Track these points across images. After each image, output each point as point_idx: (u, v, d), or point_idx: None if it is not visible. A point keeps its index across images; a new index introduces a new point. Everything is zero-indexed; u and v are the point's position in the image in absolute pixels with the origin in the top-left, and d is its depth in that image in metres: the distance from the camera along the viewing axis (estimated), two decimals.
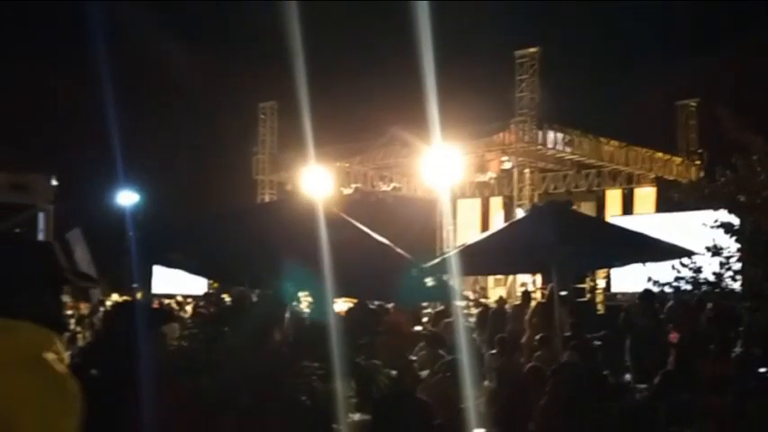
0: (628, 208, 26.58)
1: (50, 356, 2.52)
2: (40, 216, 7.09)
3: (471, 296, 20.41)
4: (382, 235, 8.11)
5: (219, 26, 37.73)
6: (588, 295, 20.96)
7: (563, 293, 10.32)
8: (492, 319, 13.57)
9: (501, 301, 17.61)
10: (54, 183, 7.04)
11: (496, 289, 24.01)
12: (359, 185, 28.48)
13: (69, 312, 15.73)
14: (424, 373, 8.07)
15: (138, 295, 19.81)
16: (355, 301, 10.67)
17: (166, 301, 18.59)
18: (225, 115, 34.46)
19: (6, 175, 6.73)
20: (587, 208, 25.69)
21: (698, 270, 11.31)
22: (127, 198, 25.60)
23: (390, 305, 11.88)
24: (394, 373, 6.97)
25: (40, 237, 7.22)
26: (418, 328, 12.00)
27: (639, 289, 11.72)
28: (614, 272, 19.36)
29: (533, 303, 13.77)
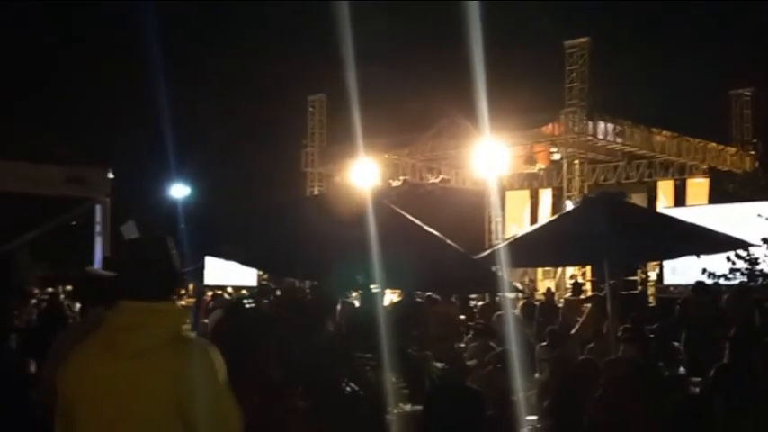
0: (680, 199, 26.17)
1: (186, 328, 2.86)
2: (97, 208, 7.24)
3: (523, 288, 20.28)
4: (430, 227, 8.12)
5: (269, 20, 37.98)
6: (640, 287, 20.71)
7: (614, 285, 10.22)
8: (539, 312, 13.49)
9: (548, 293, 17.52)
10: (110, 176, 7.17)
11: (545, 281, 23.87)
12: (407, 177, 28.48)
13: None
14: (472, 363, 8.08)
15: (191, 286, 20.14)
16: (404, 292, 10.70)
17: (218, 291, 18.85)
18: (274, 109, 34.69)
19: (65, 169, 6.89)
20: (638, 199, 25.34)
21: (754, 261, 11.11)
22: (179, 191, 25.97)
23: (439, 296, 11.89)
24: (440, 365, 6.99)
25: (97, 229, 7.37)
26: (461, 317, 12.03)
27: (692, 281, 11.54)
28: (667, 263, 19.08)
29: (584, 295, 13.67)
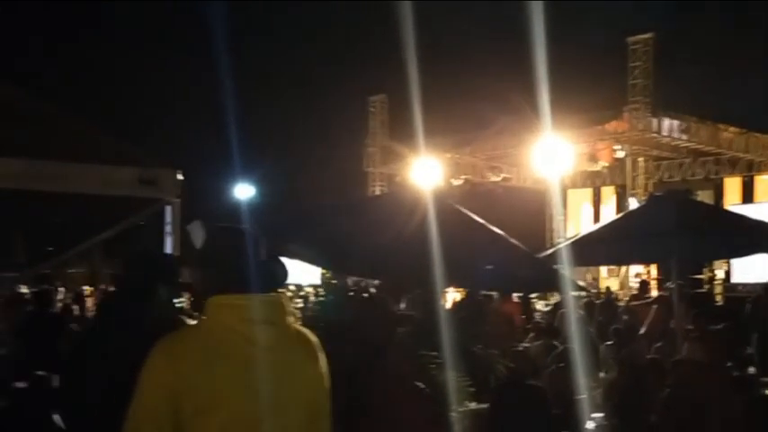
0: (748, 196, 25.59)
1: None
2: (167, 209, 7.43)
3: (586, 287, 20.11)
4: (492, 226, 8.14)
5: (330, 21, 38.28)
6: (707, 286, 20.33)
7: (682, 284, 10.09)
8: (600, 310, 13.40)
9: (608, 292, 17.36)
10: (180, 177, 7.36)
11: (609, 279, 23.61)
12: (468, 176, 28.45)
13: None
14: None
15: None
16: (467, 291, 10.74)
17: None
18: (336, 109, 34.95)
19: (136, 170, 7.09)
20: (705, 196, 24.87)
21: None
22: (244, 191, 26.37)
23: (496, 294, 11.90)
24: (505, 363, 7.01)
25: (168, 229, 7.57)
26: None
27: (762, 279, 11.32)
28: (735, 262, 18.70)
29: (650, 295, 13.51)
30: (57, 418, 5.58)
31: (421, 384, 4.78)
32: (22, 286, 10.76)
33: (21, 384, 5.58)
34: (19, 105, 7.71)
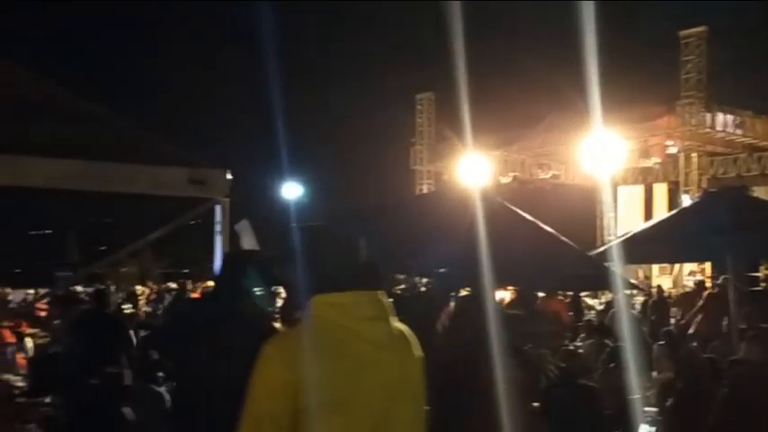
0: None
1: None
2: (217, 208, 7.47)
3: (639, 285, 19.81)
4: (541, 223, 8.06)
5: (378, 20, 38.32)
6: (763, 284, 19.87)
7: (737, 282, 9.86)
8: (652, 309, 13.20)
9: (659, 290, 17.07)
10: (229, 176, 7.42)
11: (662, 278, 23.22)
12: (516, 174, 28.24)
13: None
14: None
15: None
16: (517, 289, 10.64)
17: None
18: (383, 107, 34.99)
19: (187, 170, 7.14)
20: (761, 193, 24.16)
21: None
22: (291, 190, 26.53)
23: (541, 293, 11.77)
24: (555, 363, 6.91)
25: (217, 228, 7.62)
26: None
27: None
28: None
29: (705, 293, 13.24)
30: (128, 411, 5.68)
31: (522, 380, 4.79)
32: (76, 285, 10.96)
33: (94, 381, 5.68)
34: (70, 107, 7.82)
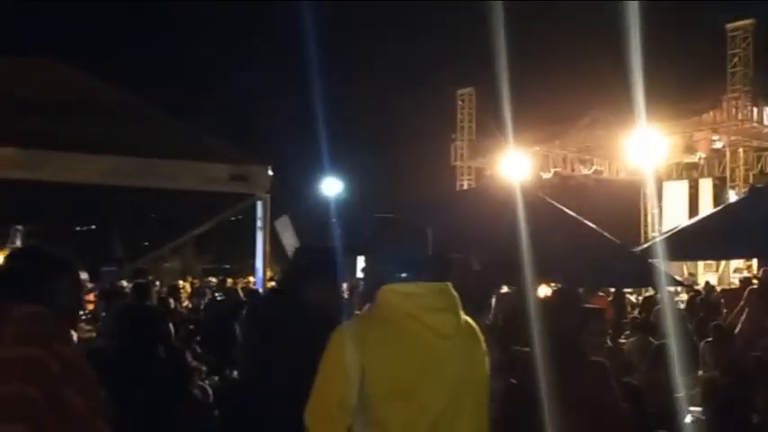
0: None
1: None
2: (259, 204, 7.54)
3: (684, 282, 19.53)
4: (583, 219, 7.98)
5: (418, 16, 38.27)
6: None
7: None
8: (700, 306, 12.96)
9: (708, 286, 16.78)
10: (270, 173, 7.46)
11: (707, 274, 22.85)
12: (558, 169, 27.99)
13: None
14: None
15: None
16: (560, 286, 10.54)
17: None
18: (423, 103, 34.96)
19: (229, 167, 7.22)
20: None
21: None
22: (331, 186, 26.59)
23: (582, 289, 11.65)
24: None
25: (259, 224, 7.68)
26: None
27: None
28: None
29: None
30: (197, 392, 5.74)
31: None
32: (121, 280, 11.10)
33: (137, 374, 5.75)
34: (117, 105, 7.93)
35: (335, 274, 3.87)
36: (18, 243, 11.53)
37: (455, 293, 2.72)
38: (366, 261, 2.83)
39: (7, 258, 2.89)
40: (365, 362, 2.53)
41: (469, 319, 2.78)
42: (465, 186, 29.64)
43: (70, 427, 2.40)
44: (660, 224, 26.02)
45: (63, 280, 2.69)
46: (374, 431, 2.56)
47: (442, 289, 2.68)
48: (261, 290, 8.16)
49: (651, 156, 22.69)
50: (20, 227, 11.70)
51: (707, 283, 17.98)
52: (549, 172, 27.87)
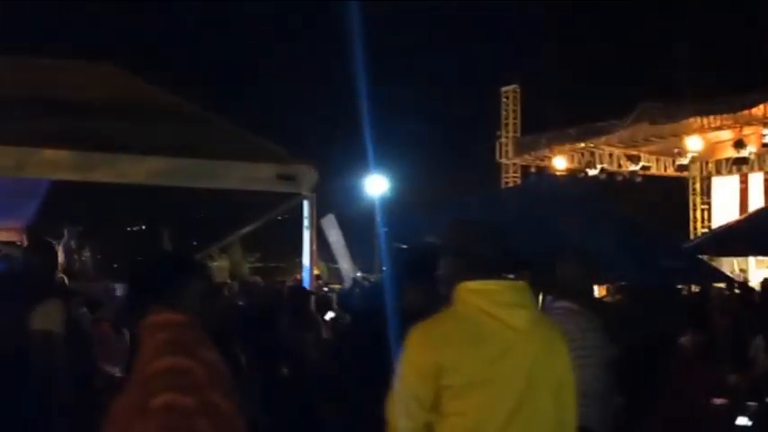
0: None
1: None
2: (305, 203, 7.60)
3: (735, 278, 19.18)
4: (631, 216, 7.90)
5: (461, 13, 38.13)
6: None
7: None
8: (757, 302, 12.74)
9: (765, 283, 16.44)
10: (316, 172, 7.53)
11: (759, 271, 22.43)
12: (605, 166, 27.70)
13: (326, 290, 16.74)
14: None
15: None
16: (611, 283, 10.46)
17: None
18: (468, 100, 34.85)
19: (275, 167, 7.30)
20: None
21: None
22: (376, 184, 26.65)
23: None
24: None
25: (305, 223, 7.75)
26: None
27: None
28: None
29: None
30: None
31: None
32: None
33: None
34: (162, 105, 8.06)
35: (435, 274, 3.96)
36: (72, 243, 11.77)
37: (529, 290, 2.80)
38: (442, 262, 2.93)
39: (143, 264, 2.95)
40: (439, 357, 2.64)
41: (547, 318, 2.92)
42: (510, 184, 29.49)
43: (220, 430, 2.45)
44: (709, 220, 25.64)
45: (198, 284, 2.74)
46: (452, 422, 2.65)
47: (516, 285, 2.78)
48: (307, 287, 8.22)
49: (700, 151, 22.37)
50: (74, 227, 11.95)
51: (765, 279, 17.62)
52: (596, 168, 27.59)
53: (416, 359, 2.68)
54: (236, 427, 2.54)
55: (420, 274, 3.84)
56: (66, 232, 11.87)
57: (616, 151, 27.99)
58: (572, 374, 2.83)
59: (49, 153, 6.07)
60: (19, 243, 12.99)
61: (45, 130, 5.92)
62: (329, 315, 9.85)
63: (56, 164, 6.19)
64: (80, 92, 7.39)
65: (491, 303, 2.69)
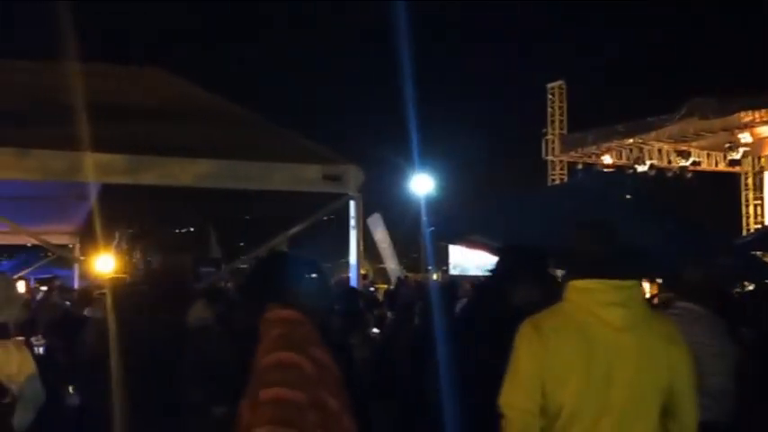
0: None
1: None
2: (351, 204, 7.61)
3: None
4: (682, 212, 7.77)
5: (505, 11, 37.95)
6: None
7: None
8: None
9: None
10: (362, 172, 7.53)
11: None
12: (654, 162, 27.32)
13: (372, 289, 16.77)
14: None
15: (434, 276, 20.62)
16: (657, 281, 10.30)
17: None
18: (512, 97, 34.65)
19: (321, 167, 7.31)
20: None
21: None
22: (421, 183, 26.63)
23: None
24: None
25: (352, 223, 7.76)
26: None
27: None
28: None
29: None
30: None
31: None
32: (220, 281, 11.35)
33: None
34: (208, 107, 8.13)
35: (545, 275, 4.09)
36: (124, 245, 11.95)
37: (638, 289, 2.95)
38: (559, 262, 3.20)
39: (261, 262, 3.08)
40: (546, 352, 2.86)
41: (662, 316, 3.04)
42: (557, 181, 29.25)
43: (327, 427, 2.50)
44: (762, 215, 25.14)
45: (313, 282, 2.83)
46: (552, 412, 2.85)
47: (622, 285, 2.87)
48: (355, 287, 8.22)
49: (752, 145, 21.97)
50: (125, 230, 12.13)
51: None
52: (645, 164, 27.23)
53: (527, 350, 2.90)
54: (345, 425, 2.58)
55: (529, 273, 3.98)
56: (117, 235, 12.05)
57: (666, 147, 27.61)
58: (686, 373, 2.89)
59: (100, 157, 6.16)
60: (70, 246, 13.24)
61: (96, 134, 6.00)
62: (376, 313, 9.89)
63: (107, 167, 6.28)
64: (128, 96, 7.50)
65: (592, 302, 2.85)
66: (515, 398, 2.90)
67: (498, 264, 4.28)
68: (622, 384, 2.79)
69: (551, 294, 3.78)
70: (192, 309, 4.76)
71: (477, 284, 6.31)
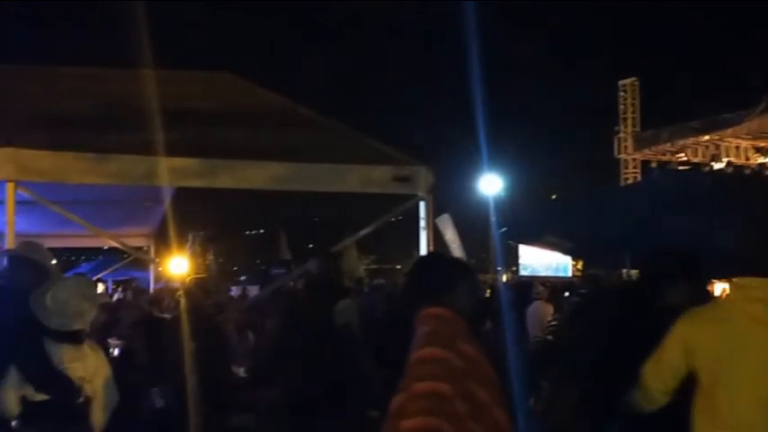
0: None
1: None
2: (421, 205, 7.59)
3: None
4: (761, 210, 7.49)
5: (576, 8, 37.44)
6: None
7: None
8: None
9: None
10: (432, 173, 7.51)
11: None
12: (731, 159, 26.59)
13: None
14: None
15: (504, 277, 20.43)
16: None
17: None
18: (582, 95, 34.18)
19: (391, 169, 7.31)
20: None
21: None
22: (490, 183, 26.47)
23: None
24: None
25: (422, 224, 7.73)
26: None
27: None
28: None
29: None
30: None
31: None
32: (290, 282, 11.45)
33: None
34: (279, 110, 8.20)
35: (701, 277, 4.24)
36: (197, 247, 12.16)
37: None
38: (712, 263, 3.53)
39: (418, 265, 3.25)
40: (694, 341, 3.20)
41: None
42: (630, 180, 28.72)
43: (477, 417, 2.61)
44: None
45: (465, 283, 3.00)
46: (705, 394, 3.14)
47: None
48: None
49: None
50: (198, 232, 12.35)
51: None
52: (722, 162, 26.53)
53: (678, 334, 3.26)
54: (496, 418, 2.68)
55: (681, 274, 4.06)
56: (190, 237, 12.26)
57: (743, 143, 26.86)
58: None
59: (175, 161, 6.28)
60: (145, 248, 13.52)
61: (171, 139, 6.12)
62: None
63: (182, 172, 6.40)
64: (201, 101, 7.62)
65: (742, 297, 3.14)
66: (651, 377, 3.32)
67: (651, 264, 4.34)
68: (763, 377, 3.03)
69: (702, 295, 4.04)
70: (338, 308, 5.17)
71: (623, 287, 6.30)
